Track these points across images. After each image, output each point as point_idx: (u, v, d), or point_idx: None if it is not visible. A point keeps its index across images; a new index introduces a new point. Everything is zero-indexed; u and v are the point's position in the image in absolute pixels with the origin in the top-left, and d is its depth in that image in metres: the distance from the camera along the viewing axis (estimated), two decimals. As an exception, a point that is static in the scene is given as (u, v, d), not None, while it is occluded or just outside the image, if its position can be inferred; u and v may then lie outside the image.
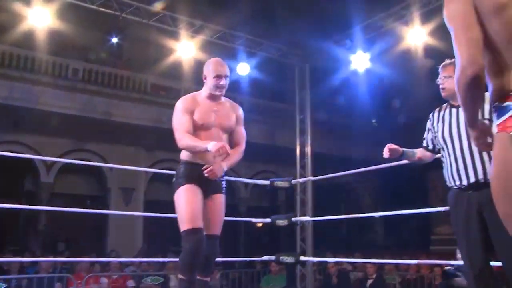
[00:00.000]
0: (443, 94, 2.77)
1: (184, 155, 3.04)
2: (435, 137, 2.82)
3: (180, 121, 2.98)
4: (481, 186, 2.45)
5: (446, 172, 2.70)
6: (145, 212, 11.48)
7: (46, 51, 10.70)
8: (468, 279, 2.57)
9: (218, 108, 3.08)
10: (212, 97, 3.09)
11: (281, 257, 5.51)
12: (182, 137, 2.92)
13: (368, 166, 4.72)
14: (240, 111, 3.21)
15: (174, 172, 3.13)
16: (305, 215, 8.80)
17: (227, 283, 8.50)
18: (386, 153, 2.92)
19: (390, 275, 7.91)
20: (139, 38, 10.86)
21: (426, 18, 7.59)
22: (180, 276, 2.84)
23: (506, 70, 1.47)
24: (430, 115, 2.90)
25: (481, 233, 2.44)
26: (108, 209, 11.61)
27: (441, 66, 2.79)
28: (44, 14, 7.65)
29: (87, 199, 12.46)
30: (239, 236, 13.92)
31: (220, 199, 3.07)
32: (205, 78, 3.11)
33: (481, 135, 1.58)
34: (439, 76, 2.76)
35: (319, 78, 10.60)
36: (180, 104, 3.05)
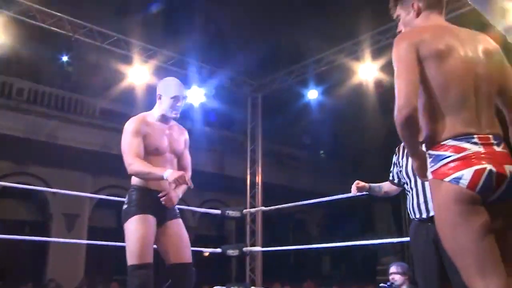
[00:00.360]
0: None
1: (136, 180, 2.82)
2: (400, 171, 2.90)
3: (130, 144, 2.75)
4: None
5: (409, 205, 2.82)
6: (89, 239, 11.03)
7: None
8: None
9: (170, 131, 2.92)
10: (165, 119, 2.92)
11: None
12: (133, 161, 2.70)
13: (315, 196, 4.80)
14: (187, 135, 3.06)
15: (121, 198, 2.95)
16: (254, 245, 8.73)
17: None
18: (354, 190, 3.01)
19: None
20: (90, 61, 10.62)
21: (377, 54, 7.88)
22: None
23: (439, 116, 1.61)
24: (396, 150, 2.98)
25: (437, 263, 2.56)
26: (49, 236, 11.05)
27: None
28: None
29: (26, 225, 11.83)
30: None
31: (180, 224, 2.89)
32: (159, 98, 2.90)
33: (422, 164, 1.68)
34: None
35: (270, 109, 10.73)
36: (131, 126, 2.81)
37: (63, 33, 7.60)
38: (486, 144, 1.55)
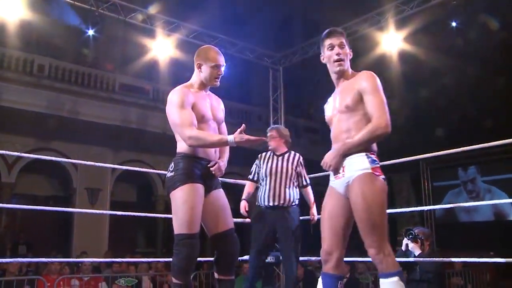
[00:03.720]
0: (270, 148, 4.37)
1: (183, 148, 2.75)
2: (260, 170, 4.29)
3: (182, 116, 2.69)
4: (279, 207, 4.15)
5: (261, 195, 4.22)
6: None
7: (10, 46, 10.32)
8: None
9: (210, 99, 2.91)
10: (204, 88, 2.88)
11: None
12: (191, 132, 2.66)
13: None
14: (223, 105, 3.05)
15: (142, 169, 2.95)
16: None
17: (198, 285, 8.35)
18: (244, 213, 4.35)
19: (363, 274, 8.03)
20: (110, 36, 10.60)
21: (401, 24, 7.81)
22: (175, 281, 2.68)
23: None
24: (260, 155, 4.38)
25: (270, 236, 4.19)
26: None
27: (268, 129, 4.44)
28: (16, 5, 7.38)
29: (50, 200, 12.03)
30: (204, 235, 13.78)
31: (223, 193, 2.91)
32: (199, 67, 2.85)
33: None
34: (268, 135, 4.33)
35: (290, 81, 10.70)
36: (177, 97, 2.74)
37: (86, 8, 7.62)
38: None
